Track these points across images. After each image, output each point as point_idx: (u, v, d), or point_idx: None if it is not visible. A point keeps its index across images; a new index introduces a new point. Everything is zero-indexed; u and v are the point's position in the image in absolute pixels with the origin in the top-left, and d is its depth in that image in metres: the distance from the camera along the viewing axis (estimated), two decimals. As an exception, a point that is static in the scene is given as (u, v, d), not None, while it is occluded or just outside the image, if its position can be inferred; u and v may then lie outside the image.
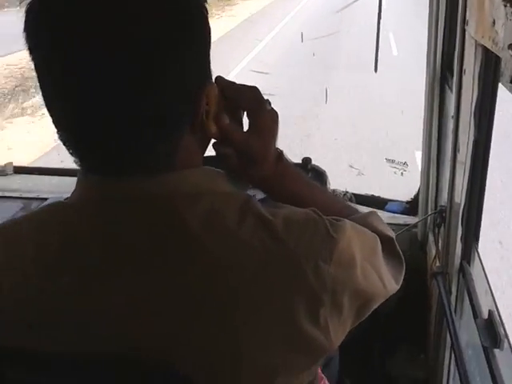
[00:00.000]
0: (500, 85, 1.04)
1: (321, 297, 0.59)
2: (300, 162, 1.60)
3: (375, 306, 0.68)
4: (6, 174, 2.45)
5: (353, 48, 9.82)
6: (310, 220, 0.62)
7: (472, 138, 1.20)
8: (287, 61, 9.26)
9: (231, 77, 0.68)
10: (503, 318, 1.15)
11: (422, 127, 1.75)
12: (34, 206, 2.19)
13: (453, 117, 1.33)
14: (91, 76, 0.54)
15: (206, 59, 0.63)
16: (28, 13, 0.55)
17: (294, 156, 1.06)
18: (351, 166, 4.82)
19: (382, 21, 1.76)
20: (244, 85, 0.70)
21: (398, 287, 0.72)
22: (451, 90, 1.41)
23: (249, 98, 0.69)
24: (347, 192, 2.19)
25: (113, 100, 0.55)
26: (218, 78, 0.67)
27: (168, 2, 0.57)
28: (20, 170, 2.53)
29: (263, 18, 13.81)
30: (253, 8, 15.52)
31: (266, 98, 0.71)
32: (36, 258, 0.60)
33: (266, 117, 0.70)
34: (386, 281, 0.69)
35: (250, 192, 2.04)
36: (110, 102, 0.55)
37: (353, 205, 1.17)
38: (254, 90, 0.70)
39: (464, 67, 1.22)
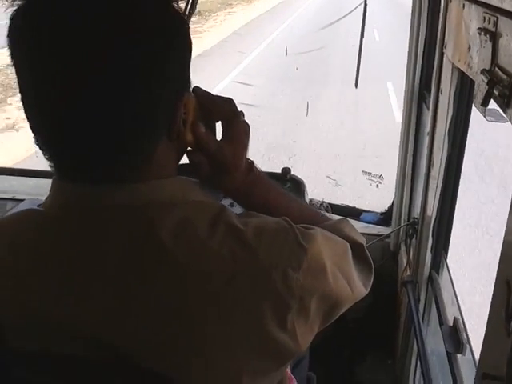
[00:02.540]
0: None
1: (289, 303, 0.60)
2: (279, 171, 1.66)
3: (343, 310, 0.71)
4: (-17, 175, 2.42)
5: (336, 62, 9.97)
6: (280, 229, 0.63)
7: (445, 155, 1.27)
8: (272, 74, 9.33)
9: (219, 88, 0.71)
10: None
11: (397, 143, 1.82)
12: (9, 206, 2.17)
13: (428, 133, 1.40)
14: (69, 84, 0.54)
15: (186, 70, 0.64)
16: (13, 19, 0.56)
17: (274, 166, 1.10)
18: (328, 177, 4.90)
19: (366, 19, 1.80)
20: (220, 96, 0.72)
21: (366, 292, 0.74)
22: (428, 108, 1.48)
23: (224, 109, 0.71)
24: (324, 202, 2.25)
25: (91, 108, 0.55)
26: (196, 88, 0.68)
27: (151, 17, 0.57)
28: (-5, 171, 2.51)
29: (250, 34, 13.85)
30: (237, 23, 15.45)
31: (241, 109, 0.73)
32: (8, 265, 0.60)
33: (239, 128, 0.72)
34: (354, 286, 0.70)
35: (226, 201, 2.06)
36: (88, 110, 0.55)
37: (328, 214, 1.20)
38: (229, 102, 0.72)
39: (441, 87, 1.29)
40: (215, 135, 0.73)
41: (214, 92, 0.73)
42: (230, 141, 0.71)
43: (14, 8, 0.56)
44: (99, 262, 0.58)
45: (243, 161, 0.73)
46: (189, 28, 0.64)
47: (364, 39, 1.87)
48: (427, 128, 1.44)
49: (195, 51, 0.66)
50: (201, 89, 0.69)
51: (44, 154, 0.60)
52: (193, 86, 0.67)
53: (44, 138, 0.59)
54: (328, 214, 0.93)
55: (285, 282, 0.60)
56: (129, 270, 0.58)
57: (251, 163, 0.77)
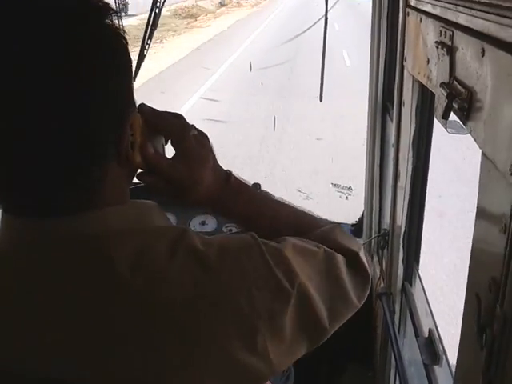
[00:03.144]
0: (435, 117, 1.12)
1: (256, 324, 0.58)
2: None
3: (333, 328, 0.66)
4: None
5: (302, 76, 10.08)
6: (244, 247, 0.61)
7: (411, 166, 1.28)
8: (239, 90, 9.38)
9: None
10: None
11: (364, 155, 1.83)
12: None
13: (393, 145, 1.41)
14: (4, 114, 0.51)
15: (128, 89, 0.61)
16: None
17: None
18: (299, 191, 4.91)
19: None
20: (169, 112, 0.70)
21: (358, 306, 0.71)
22: (392, 120, 1.49)
23: (171, 125, 0.69)
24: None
25: (31, 138, 0.52)
26: (141, 105, 0.66)
27: (88, 34, 0.54)
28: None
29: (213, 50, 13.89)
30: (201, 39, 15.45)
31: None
32: None
33: (190, 142, 0.69)
34: (337, 302, 0.67)
35: (200, 218, 2.02)
36: (29, 141, 0.52)
37: None
38: (177, 117, 0.70)
39: (403, 99, 1.30)
40: (164, 153, 0.71)
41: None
42: (181, 157, 0.69)
43: None
44: (50, 301, 0.55)
45: (202, 175, 0.70)
46: (127, 45, 0.60)
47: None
48: (392, 139, 1.45)
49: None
50: (147, 106, 0.67)
51: None
52: (138, 103, 0.65)
53: None
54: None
55: (250, 303, 0.58)
56: (84, 307, 0.55)
57: (228, 174, 0.75)
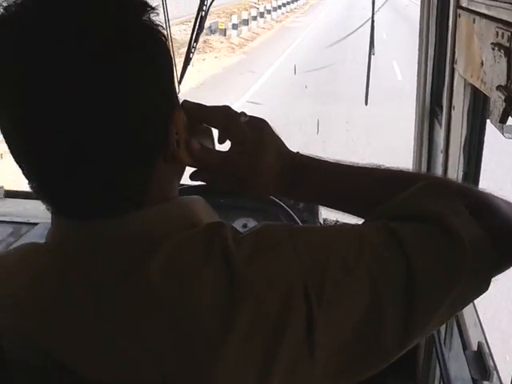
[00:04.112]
0: (488, 121, 1.08)
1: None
2: None
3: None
4: (-3, 198, 2.44)
5: (346, 81, 9.96)
6: (275, 244, 0.57)
7: (461, 173, 1.24)
8: (283, 93, 9.35)
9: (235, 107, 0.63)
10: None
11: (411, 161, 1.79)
12: (24, 230, 2.18)
13: (442, 151, 1.37)
14: (54, 116, 0.52)
15: (170, 87, 0.60)
16: None
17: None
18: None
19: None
20: (213, 106, 0.67)
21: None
22: (440, 125, 1.45)
23: (217, 116, 0.66)
24: (338, 221, 2.22)
25: (85, 139, 0.52)
26: (184, 102, 0.65)
27: (129, 36, 0.54)
28: (11, 194, 2.53)
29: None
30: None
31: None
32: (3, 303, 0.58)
33: (240, 128, 0.65)
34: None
35: (242, 220, 2.01)
36: (76, 152, 0.52)
37: None
38: (223, 108, 0.67)
39: (453, 104, 1.26)
40: (214, 147, 0.68)
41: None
42: (234, 145, 0.65)
43: None
44: (88, 299, 0.55)
45: (265, 158, 0.66)
46: (167, 44, 0.59)
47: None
48: (440, 145, 1.40)
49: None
50: (190, 102, 0.65)
51: (36, 194, 0.57)
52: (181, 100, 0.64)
53: (34, 185, 0.56)
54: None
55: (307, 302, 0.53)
56: (118, 309, 0.55)
57: (297, 154, 0.68)
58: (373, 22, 1.66)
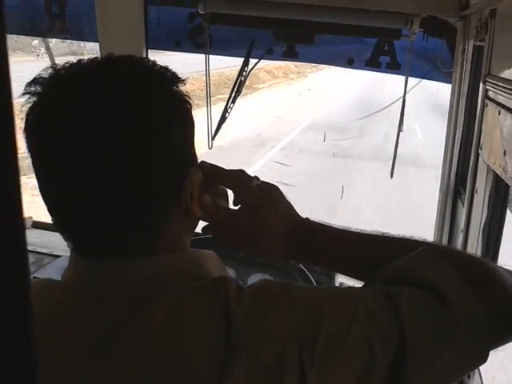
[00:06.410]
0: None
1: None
2: None
3: None
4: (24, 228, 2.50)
5: (374, 151, 10.10)
6: (273, 302, 0.59)
7: (479, 253, 1.26)
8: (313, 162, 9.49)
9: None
10: None
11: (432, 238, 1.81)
12: (46, 261, 2.23)
13: (462, 231, 1.40)
14: (77, 177, 0.57)
15: (190, 147, 0.66)
16: (28, 116, 0.58)
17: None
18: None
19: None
20: (229, 169, 0.71)
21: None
22: (463, 205, 1.48)
23: (231, 177, 0.71)
24: (354, 286, 2.21)
25: (101, 190, 0.57)
26: (202, 162, 0.69)
27: (157, 109, 0.60)
28: (38, 225, 2.59)
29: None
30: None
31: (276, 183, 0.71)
32: None
33: (251, 191, 0.70)
34: None
35: (258, 275, 2.02)
36: (100, 192, 0.57)
37: None
38: (238, 171, 0.71)
39: (476, 186, 1.30)
40: (227, 206, 0.72)
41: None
42: (244, 206, 0.70)
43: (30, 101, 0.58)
44: (94, 338, 0.58)
45: (272, 221, 0.70)
46: (191, 109, 0.65)
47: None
48: (461, 225, 1.43)
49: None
50: (207, 163, 0.70)
51: (60, 233, 0.62)
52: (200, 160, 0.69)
53: (57, 222, 0.62)
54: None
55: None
56: (119, 349, 0.57)
57: (305, 219, 0.72)
58: (404, 101, 1.74)
